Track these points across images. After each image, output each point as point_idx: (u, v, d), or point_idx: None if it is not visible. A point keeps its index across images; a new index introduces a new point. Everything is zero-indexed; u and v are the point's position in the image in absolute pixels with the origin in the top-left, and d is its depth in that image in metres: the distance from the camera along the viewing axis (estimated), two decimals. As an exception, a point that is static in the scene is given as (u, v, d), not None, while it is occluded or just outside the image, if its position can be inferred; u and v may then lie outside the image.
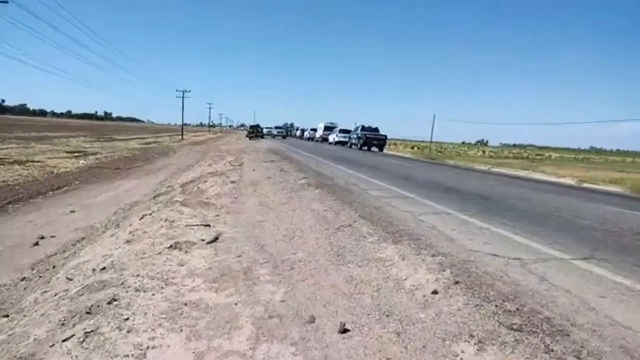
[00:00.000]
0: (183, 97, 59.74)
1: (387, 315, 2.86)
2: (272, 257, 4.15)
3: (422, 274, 3.52)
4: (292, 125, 73.90)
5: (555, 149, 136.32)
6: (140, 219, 6.29)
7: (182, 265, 3.88)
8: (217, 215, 6.10)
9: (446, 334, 2.58)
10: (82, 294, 3.24)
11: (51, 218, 9.16)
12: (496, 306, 2.89)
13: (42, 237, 7.38)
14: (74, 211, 9.79)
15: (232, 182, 10.03)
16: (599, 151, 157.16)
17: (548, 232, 5.43)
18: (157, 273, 3.64)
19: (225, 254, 4.24)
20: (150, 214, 6.36)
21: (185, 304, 3.00)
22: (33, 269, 5.57)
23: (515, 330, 2.57)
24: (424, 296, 3.13)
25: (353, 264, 3.89)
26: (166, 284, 3.38)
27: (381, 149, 32.91)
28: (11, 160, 18.26)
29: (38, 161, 18.62)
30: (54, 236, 7.52)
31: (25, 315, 3.32)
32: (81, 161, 20.18)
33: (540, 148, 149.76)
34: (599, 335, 2.54)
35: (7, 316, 3.46)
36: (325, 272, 3.71)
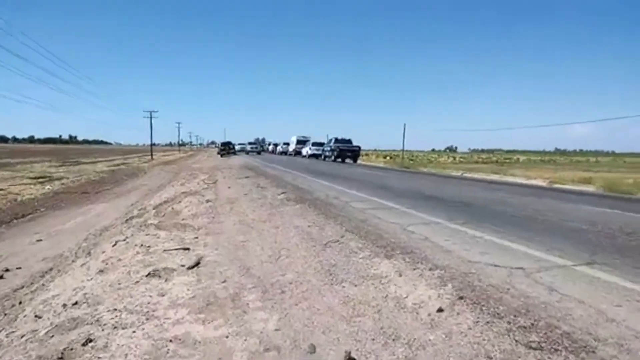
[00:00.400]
0: (151, 117, 58.90)
1: (394, 340, 2.63)
2: (260, 280, 3.88)
3: (423, 290, 3.31)
4: (263, 140, 73.56)
5: (522, 152, 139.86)
6: (114, 245, 5.90)
7: (163, 295, 3.56)
8: (196, 238, 5.78)
9: (461, 357, 2.37)
10: (53, 335, 2.89)
11: (16, 248, 8.61)
12: (509, 322, 2.69)
13: (7, 270, 6.88)
14: (40, 240, 9.26)
15: (208, 201, 9.69)
16: (563, 152, 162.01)
17: (541, 238, 5.31)
18: (136, 306, 3.32)
19: (209, 279, 3.94)
20: (124, 240, 5.98)
21: (170, 340, 2.69)
22: (-4, 306, 5.12)
23: (535, 349, 2.38)
24: (429, 315, 2.92)
25: (347, 283, 3.65)
26: (147, 318, 3.06)
27: (355, 160, 32.96)
28: (-30, 190, 17.36)
29: (0, 189, 17.74)
30: (19, 268, 7.03)
31: (-14, 365, 2.94)
32: (47, 187, 19.35)
33: (508, 152, 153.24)
34: (627, 349, 2.36)
35: (-35, 367, 3.06)
36: (319, 294, 3.46)
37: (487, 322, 2.70)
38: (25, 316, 3.97)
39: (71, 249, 8.02)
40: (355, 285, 3.59)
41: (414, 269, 3.79)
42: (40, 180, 22.39)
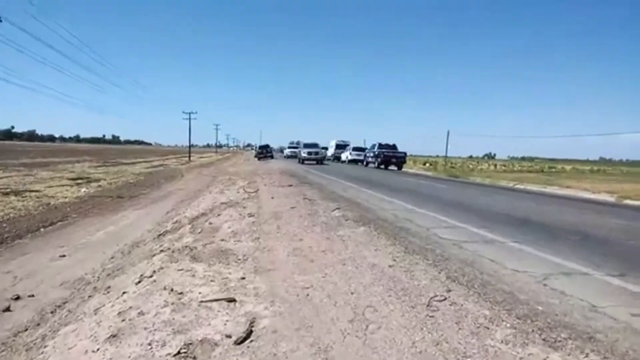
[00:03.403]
0: (190, 119, 58.97)
1: None
2: (352, 382, 2.39)
3: None
4: (298, 143, 72.80)
5: (564, 161, 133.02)
6: (137, 283, 4.56)
7: (200, 417, 2.14)
8: (243, 278, 4.37)
9: None
10: None
11: (35, 266, 7.54)
12: None
13: (18, 298, 5.84)
14: (64, 255, 8.21)
15: (250, 215, 8.37)
16: (609, 162, 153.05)
17: None
18: None
19: (270, 376, 2.49)
20: (151, 277, 4.62)
21: None
22: (-10, 360, 3.93)
23: None
24: None
25: (509, 407, 2.11)
26: None
27: (400, 167, 31.27)
28: (7, 190, 16.81)
29: (36, 191, 17.16)
30: (32, 295, 5.95)
31: None
32: (83, 189, 18.68)
33: (549, 160, 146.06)
34: None
35: None
36: None
37: None
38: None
39: (94, 270, 6.91)
40: (529, 417, 2.04)
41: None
42: (78, 181, 21.94)
